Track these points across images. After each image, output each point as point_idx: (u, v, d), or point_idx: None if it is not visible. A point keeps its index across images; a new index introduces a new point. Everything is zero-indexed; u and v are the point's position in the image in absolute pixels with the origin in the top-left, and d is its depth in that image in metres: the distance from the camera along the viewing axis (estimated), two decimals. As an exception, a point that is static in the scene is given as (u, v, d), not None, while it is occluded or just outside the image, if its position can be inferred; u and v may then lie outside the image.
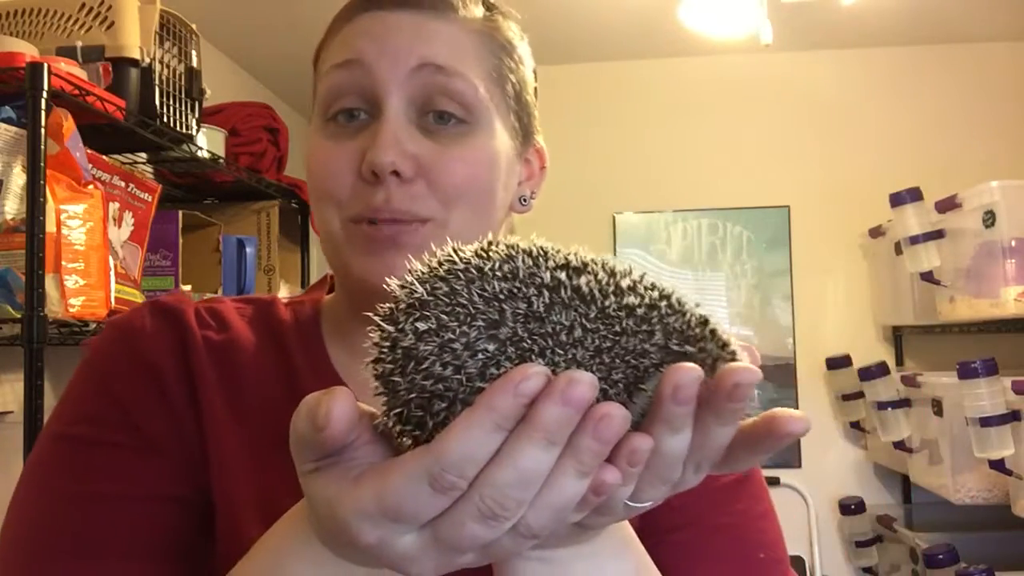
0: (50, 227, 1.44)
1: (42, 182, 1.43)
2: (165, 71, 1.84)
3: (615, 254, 3.25)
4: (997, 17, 2.91)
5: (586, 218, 3.23)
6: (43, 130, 1.44)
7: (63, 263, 1.46)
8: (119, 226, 1.72)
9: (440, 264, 0.41)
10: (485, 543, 0.39)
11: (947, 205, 2.41)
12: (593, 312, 0.39)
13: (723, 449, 0.40)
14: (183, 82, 1.91)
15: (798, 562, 2.94)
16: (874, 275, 3.12)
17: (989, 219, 2.24)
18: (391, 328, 0.40)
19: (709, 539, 0.65)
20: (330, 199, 0.64)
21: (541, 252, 0.41)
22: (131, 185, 1.77)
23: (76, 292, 1.48)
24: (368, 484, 0.38)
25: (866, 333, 3.16)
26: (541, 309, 0.39)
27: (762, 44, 2.32)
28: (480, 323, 0.39)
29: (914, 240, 2.48)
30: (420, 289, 0.40)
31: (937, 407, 2.38)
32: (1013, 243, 2.20)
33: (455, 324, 0.39)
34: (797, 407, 3.10)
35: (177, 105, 1.87)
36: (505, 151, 0.67)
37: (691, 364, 0.37)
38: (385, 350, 0.40)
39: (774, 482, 3.04)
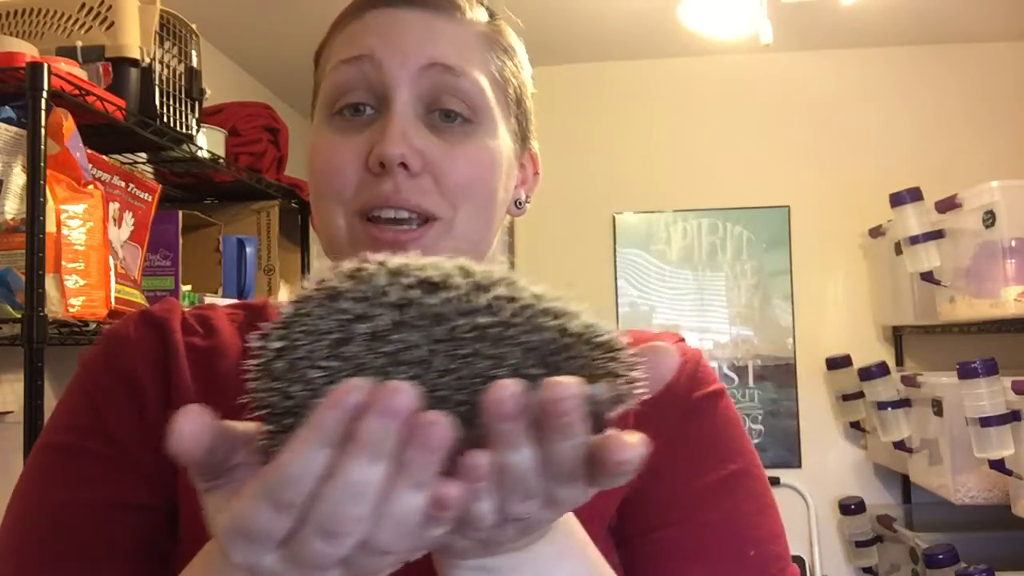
0: (50, 227, 1.44)
1: (42, 182, 1.43)
2: (165, 71, 1.84)
3: (615, 254, 3.26)
4: (997, 17, 2.91)
5: (586, 218, 3.23)
6: (43, 130, 1.44)
7: (63, 263, 1.46)
8: (119, 226, 1.72)
9: (316, 283, 0.42)
10: (338, 560, 0.38)
11: (947, 205, 2.41)
12: (439, 333, 0.40)
13: (578, 462, 0.39)
14: (183, 82, 1.91)
15: (798, 562, 2.94)
16: (874, 275, 3.12)
17: (989, 219, 2.24)
18: (256, 346, 0.41)
19: (697, 536, 0.64)
20: (334, 194, 0.64)
21: (402, 270, 0.41)
22: (131, 185, 1.77)
23: (76, 292, 1.48)
24: (231, 505, 0.39)
25: (866, 333, 3.16)
26: (386, 329, 0.40)
27: (762, 44, 2.32)
28: (327, 342, 0.40)
29: (914, 240, 2.48)
30: (288, 309, 0.41)
31: (937, 407, 2.38)
32: (1013, 243, 2.20)
33: (305, 342, 0.40)
34: (797, 407, 3.10)
35: (177, 105, 1.87)
36: (507, 152, 0.68)
37: (510, 380, 0.37)
38: (252, 368, 0.41)
39: (774, 482, 3.04)
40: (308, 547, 0.38)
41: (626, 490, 0.64)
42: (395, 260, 0.42)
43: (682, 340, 0.71)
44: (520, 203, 0.73)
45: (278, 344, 0.40)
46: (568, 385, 0.37)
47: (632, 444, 0.38)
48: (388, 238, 0.62)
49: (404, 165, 0.62)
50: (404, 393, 0.36)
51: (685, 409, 0.67)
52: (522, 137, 0.71)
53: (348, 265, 0.42)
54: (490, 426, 0.37)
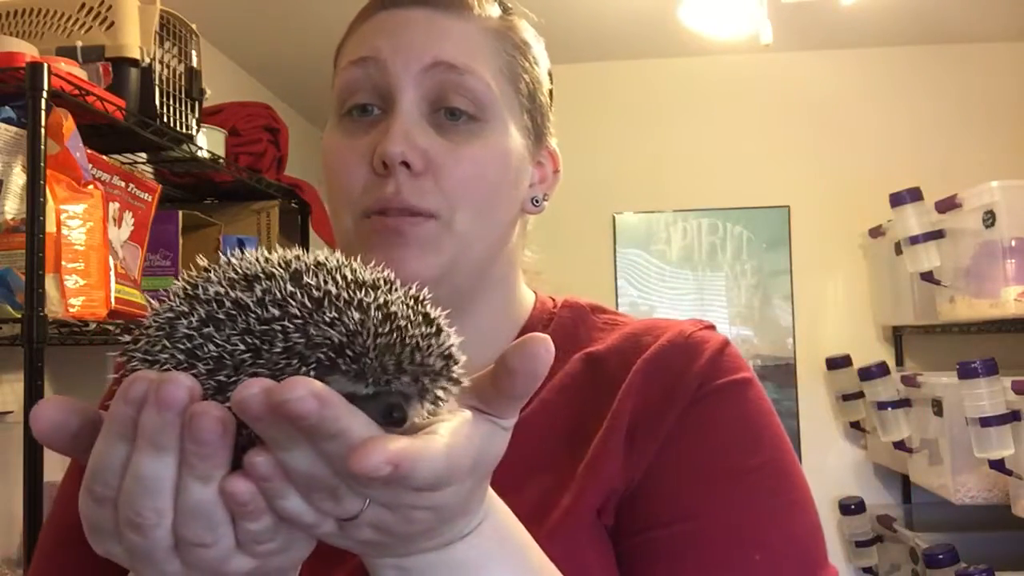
0: (50, 227, 1.44)
1: (42, 182, 1.43)
2: (165, 71, 1.84)
3: (615, 254, 3.26)
4: (997, 17, 2.91)
5: (586, 218, 3.22)
6: (43, 130, 1.44)
7: (63, 263, 1.46)
8: (119, 226, 1.72)
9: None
10: (165, 553, 0.39)
11: (947, 205, 2.41)
12: (240, 327, 0.40)
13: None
14: (183, 82, 1.91)
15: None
16: (874, 275, 3.12)
17: (989, 219, 2.24)
18: (123, 341, 0.44)
19: (698, 536, 0.60)
20: (343, 196, 0.65)
21: (236, 264, 0.42)
22: (131, 185, 1.77)
23: (76, 292, 1.48)
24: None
25: (866, 333, 3.16)
26: (195, 325, 0.40)
27: (762, 44, 2.32)
28: (154, 338, 0.41)
29: (914, 240, 2.48)
30: (154, 306, 0.43)
31: (937, 407, 2.38)
32: (1013, 243, 2.20)
33: (143, 341, 0.42)
34: (797, 407, 3.10)
35: (177, 105, 1.87)
36: (517, 150, 0.68)
37: (256, 379, 0.36)
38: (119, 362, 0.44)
39: (774, 482, 3.04)
40: (126, 538, 0.39)
41: (623, 480, 0.62)
42: (246, 255, 0.43)
43: (710, 327, 0.69)
44: (537, 201, 0.72)
45: (127, 339, 0.43)
46: (295, 385, 0.35)
47: (376, 450, 0.35)
48: (389, 228, 0.63)
49: (406, 164, 0.62)
50: (176, 385, 0.36)
51: (699, 398, 0.64)
52: (536, 134, 0.71)
53: (202, 261, 0.43)
54: (250, 426, 0.37)
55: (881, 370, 2.72)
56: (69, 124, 1.52)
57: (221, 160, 2.15)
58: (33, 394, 1.41)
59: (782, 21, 2.56)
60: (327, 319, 0.39)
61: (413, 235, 0.63)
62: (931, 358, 3.07)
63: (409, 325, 0.40)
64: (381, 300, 0.40)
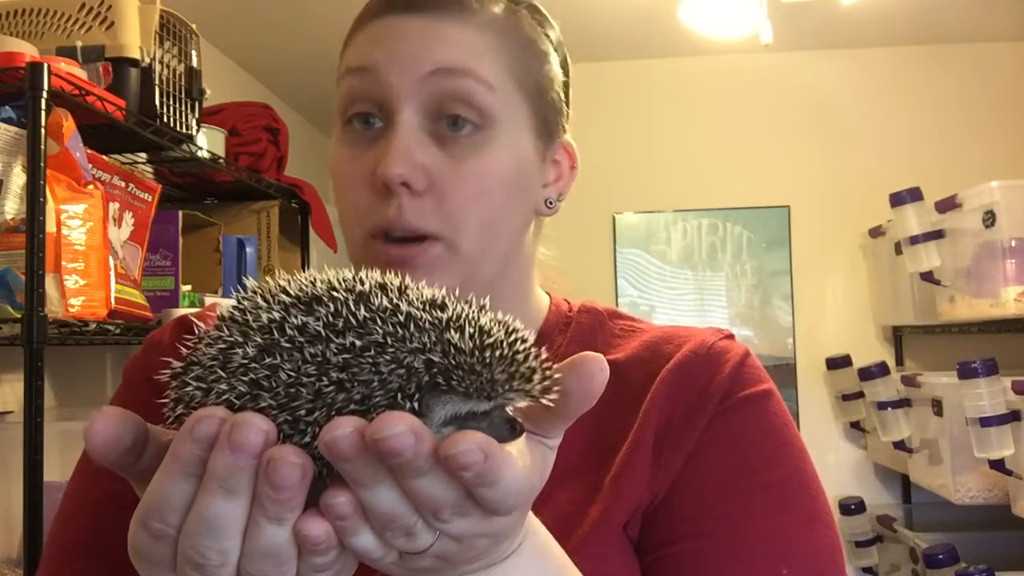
0: (50, 227, 1.44)
1: (42, 182, 1.43)
2: (165, 71, 1.84)
3: (615, 254, 3.26)
4: (997, 17, 2.91)
5: (586, 218, 3.22)
6: (43, 130, 1.44)
7: (63, 263, 1.46)
8: (119, 226, 1.72)
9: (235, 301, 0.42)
10: None
11: (947, 205, 2.41)
12: (311, 355, 0.38)
13: (447, 497, 0.37)
14: (183, 82, 1.91)
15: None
16: (874, 275, 3.12)
17: (989, 219, 2.24)
18: (172, 362, 0.42)
19: (723, 549, 0.59)
20: (350, 210, 0.64)
21: (287, 287, 0.40)
22: (131, 185, 1.77)
23: (76, 292, 1.48)
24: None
25: (866, 333, 3.16)
26: (253, 354, 0.38)
27: (762, 44, 2.32)
28: (208, 367, 0.40)
29: (914, 240, 2.48)
30: (202, 330, 0.42)
31: (937, 407, 2.38)
32: (1013, 243, 2.20)
33: (195, 368, 0.40)
34: (797, 407, 3.09)
35: (177, 105, 1.87)
36: (524, 155, 0.65)
37: (345, 418, 0.35)
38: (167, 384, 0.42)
39: (774, 482, 3.04)
40: (183, 574, 0.38)
41: (649, 493, 0.62)
42: (301, 277, 0.41)
43: (730, 336, 0.69)
44: (551, 203, 0.70)
45: (179, 366, 0.41)
46: (394, 421, 0.34)
47: (467, 438, 0.35)
48: (395, 256, 0.62)
49: (407, 185, 0.60)
50: (251, 428, 0.35)
51: (722, 411, 0.63)
52: (548, 131, 0.68)
53: (252, 283, 0.42)
54: (335, 463, 0.36)
55: (881, 370, 2.72)
56: (69, 124, 1.52)
57: (221, 160, 2.15)
58: (33, 394, 1.41)
59: (782, 21, 2.57)
60: (423, 344, 0.38)
61: (420, 261, 0.61)
62: (931, 358, 3.08)
63: (499, 334, 0.39)
64: (470, 316, 0.39)
